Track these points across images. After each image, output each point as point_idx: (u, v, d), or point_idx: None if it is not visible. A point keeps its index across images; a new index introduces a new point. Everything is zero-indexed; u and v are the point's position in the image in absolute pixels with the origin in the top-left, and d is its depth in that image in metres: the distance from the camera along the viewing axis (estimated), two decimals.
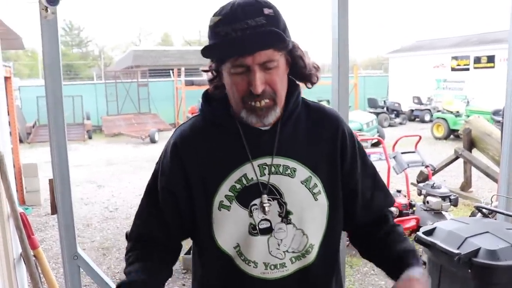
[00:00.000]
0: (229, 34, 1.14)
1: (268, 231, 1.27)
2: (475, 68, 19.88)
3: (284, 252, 1.28)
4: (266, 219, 1.26)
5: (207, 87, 1.35)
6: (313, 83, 1.33)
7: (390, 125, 17.88)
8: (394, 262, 1.31)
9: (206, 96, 1.34)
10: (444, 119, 14.53)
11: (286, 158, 1.28)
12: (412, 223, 5.19)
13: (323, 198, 1.31)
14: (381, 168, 8.41)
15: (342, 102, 2.56)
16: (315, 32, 60.15)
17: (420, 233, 2.53)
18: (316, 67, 1.32)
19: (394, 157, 6.14)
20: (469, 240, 2.26)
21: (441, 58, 21.37)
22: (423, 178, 6.87)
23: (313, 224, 1.31)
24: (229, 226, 1.27)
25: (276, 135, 1.28)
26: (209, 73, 1.31)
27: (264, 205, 1.25)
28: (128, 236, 1.39)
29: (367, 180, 1.41)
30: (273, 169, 1.27)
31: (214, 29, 1.17)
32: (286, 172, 1.28)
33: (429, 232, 2.51)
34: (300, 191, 1.28)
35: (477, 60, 19.79)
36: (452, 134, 14.19)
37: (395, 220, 5.49)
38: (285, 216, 1.27)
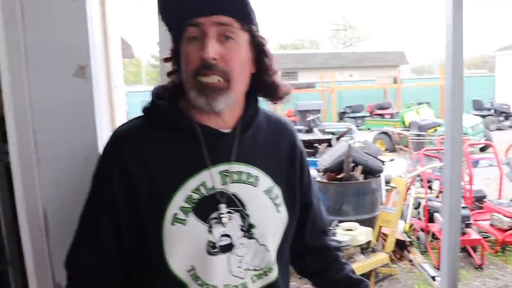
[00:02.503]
0: None
1: (228, 248, 1.10)
2: None
3: (245, 270, 1.13)
4: (226, 235, 1.10)
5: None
6: (278, 97, 1.20)
7: (498, 129, 16.71)
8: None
9: (156, 93, 1.18)
10: None
11: (248, 164, 1.15)
12: None
13: (284, 211, 1.20)
14: (491, 175, 7.85)
15: (457, 105, 2.40)
16: (413, 32, 57.93)
17: None
18: (287, 86, 1.20)
19: (507, 164, 5.71)
20: None
21: None
22: None
23: (274, 238, 1.18)
24: (184, 244, 1.08)
25: (236, 139, 1.14)
26: (169, 64, 1.18)
27: (222, 216, 1.09)
28: (65, 263, 1.19)
29: (314, 194, 1.35)
30: (235, 176, 1.13)
31: None
32: (249, 180, 1.15)
33: None
34: (264, 201, 1.16)
35: None
36: None
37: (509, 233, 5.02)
38: (248, 230, 1.12)
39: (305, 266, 1.37)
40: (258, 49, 1.14)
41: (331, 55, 29.70)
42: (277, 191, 1.19)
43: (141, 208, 1.09)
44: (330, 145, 5.90)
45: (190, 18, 1.06)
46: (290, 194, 1.23)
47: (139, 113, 1.19)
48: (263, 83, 1.17)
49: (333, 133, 9.38)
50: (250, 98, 1.20)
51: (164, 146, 1.12)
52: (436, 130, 10.71)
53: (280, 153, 1.23)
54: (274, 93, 1.19)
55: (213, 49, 1.04)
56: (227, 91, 1.08)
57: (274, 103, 1.24)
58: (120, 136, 1.15)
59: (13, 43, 1.54)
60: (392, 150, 10.36)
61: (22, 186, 1.61)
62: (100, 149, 1.62)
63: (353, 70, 27.82)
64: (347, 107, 20.00)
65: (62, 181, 1.61)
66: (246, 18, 1.09)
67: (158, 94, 1.17)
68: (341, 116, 19.64)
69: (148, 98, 1.18)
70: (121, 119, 2.08)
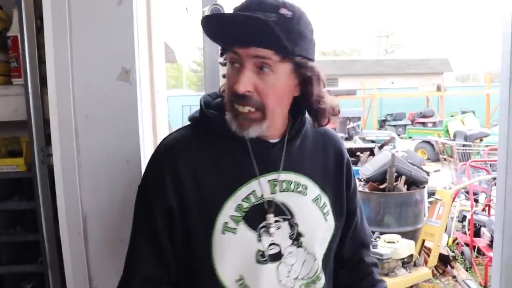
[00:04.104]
0: (233, 17, 1.04)
1: (277, 257, 1.12)
2: None
3: (294, 279, 1.14)
4: (275, 243, 1.11)
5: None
6: (320, 124, 1.16)
7: None
8: None
9: (205, 102, 1.18)
10: None
11: (296, 173, 1.16)
12: None
13: (331, 219, 1.20)
14: None
15: None
16: (458, 39, 56.54)
17: None
18: (335, 110, 1.16)
19: None
20: None
21: None
22: None
23: (321, 247, 1.19)
24: (234, 253, 1.09)
25: (283, 148, 1.14)
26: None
27: (270, 227, 1.09)
28: (124, 281, 1.16)
29: (358, 204, 1.33)
30: (284, 185, 1.14)
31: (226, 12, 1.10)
32: (298, 189, 1.15)
33: None
34: (312, 210, 1.17)
35: None
36: None
37: None
38: (296, 239, 1.13)
39: (339, 278, 1.33)
40: (302, 76, 1.10)
41: (372, 61, 29.32)
42: (324, 199, 1.19)
43: (190, 217, 1.09)
44: (372, 154, 5.76)
45: (230, 45, 1.07)
46: (337, 202, 1.23)
47: (178, 117, 1.18)
48: (308, 106, 1.15)
49: (373, 141, 9.20)
50: (297, 111, 1.18)
51: (213, 156, 1.12)
52: (482, 140, 10.36)
53: (327, 161, 1.24)
54: (318, 119, 1.16)
55: (246, 83, 1.04)
56: (260, 121, 1.08)
57: (316, 127, 1.20)
58: (172, 145, 1.15)
59: (59, 46, 1.54)
60: (435, 159, 10.07)
61: (63, 189, 1.60)
62: (142, 154, 1.60)
63: (394, 77, 27.33)
64: (388, 114, 19.65)
65: (102, 185, 1.59)
66: (285, 50, 1.04)
67: (206, 103, 1.18)
68: (382, 124, 19.33)
69: (188, 102, 1.16)
70: (163, 124, 2.07)
